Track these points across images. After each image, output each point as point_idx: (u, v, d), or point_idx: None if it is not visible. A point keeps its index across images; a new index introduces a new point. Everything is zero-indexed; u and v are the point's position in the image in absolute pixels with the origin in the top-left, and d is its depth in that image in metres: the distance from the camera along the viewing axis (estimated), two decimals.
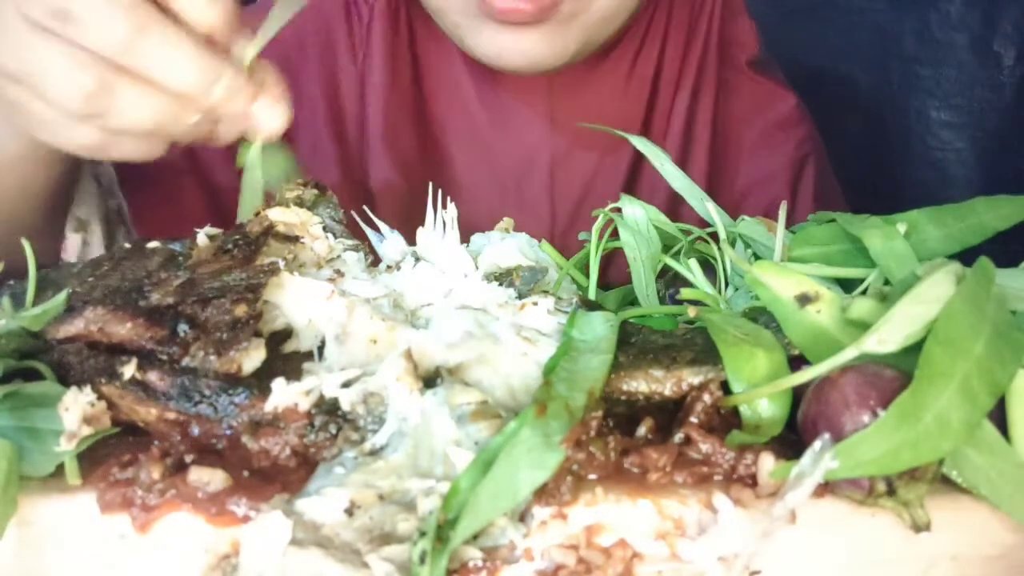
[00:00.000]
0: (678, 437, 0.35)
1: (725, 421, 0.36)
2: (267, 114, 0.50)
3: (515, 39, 0.70)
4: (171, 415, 0.36)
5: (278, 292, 0.41)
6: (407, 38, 0.83)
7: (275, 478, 0.34)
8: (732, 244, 0.49)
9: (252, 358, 0.38)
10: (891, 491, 0.32)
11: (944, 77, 1.24)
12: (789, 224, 0.48)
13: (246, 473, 0.34)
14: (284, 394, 0.36)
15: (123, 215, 0.74)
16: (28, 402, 0.36)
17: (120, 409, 0.37)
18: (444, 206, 0.50)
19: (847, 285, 0.43)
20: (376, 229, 0.53)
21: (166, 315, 0.39)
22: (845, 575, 0.34)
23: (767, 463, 0.33)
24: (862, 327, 0.34)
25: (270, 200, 0.52)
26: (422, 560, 0.29)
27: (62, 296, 0.41)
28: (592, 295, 0.50)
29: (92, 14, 0.44)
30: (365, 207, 0.54)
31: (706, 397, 0.36)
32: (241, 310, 0.39)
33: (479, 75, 0.81)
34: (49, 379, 0.38)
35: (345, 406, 0.36)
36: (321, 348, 0.39)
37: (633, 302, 0.50)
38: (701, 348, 0.39)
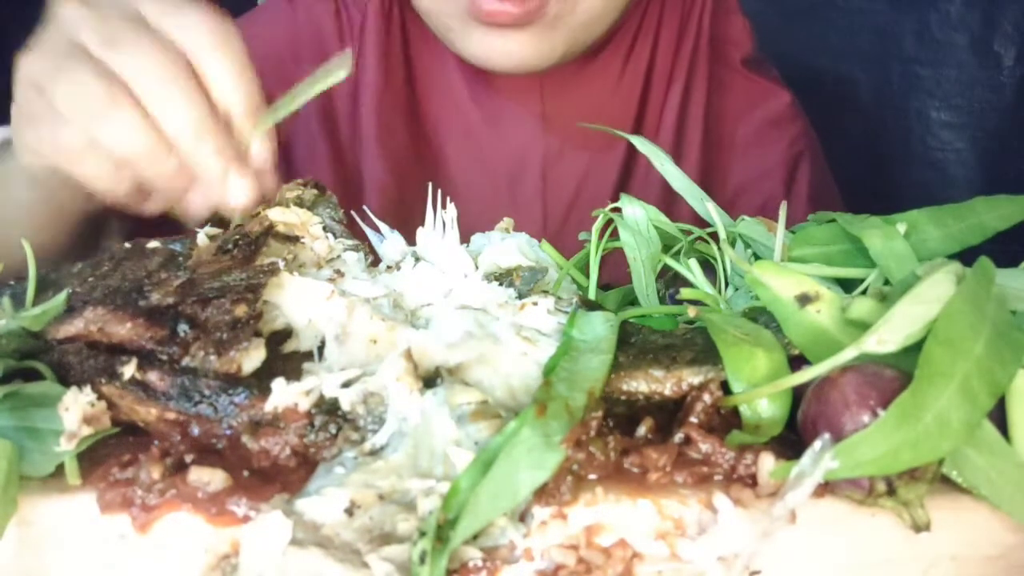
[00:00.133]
0: (678, 437, 0.35)
1: (725, 421, 0.36)
2: (239, 187, 0.48)
3: (502, 41, 0.71)
4: (171, 415, 0.36)
5: (278, 292, 0.41)
6: (400, 39, 0.84)
7: (275, 478, 0.34)
8: (732, 244, 0.49)
9: (252, 358, 0.38)
10: (891, 491, 0.32)
11: (944, 77, 1.24)
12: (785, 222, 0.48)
13: (246, 473, 0.34)
14: (284, 394, 0.36)
15: None
16: (28, 402, 0.36)
17: (120, 409, 0.37)
18: (444, 206, 0.50)
19: (847, 285, 0.43)
20: (376, 229, 0.54)
21: (166, 315, 0.39)
22: (845, 575, 0.34)
23: (767, 463, 0.33)
24: (862, 327, 0.34)
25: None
26: (422, 560, 0.29)
27: (62, 296, 0.41)
28: (592, 295, 0.50)
29: (137, 49, 0.46)
30: (365, 207, 0.54)
31: (706, 397, 0.36)
32: (241, 310, 0.39)
33: (472, 75, 0.82)
34: (49, 379, 0.38)
35: (345, 406, 0.36)
36: (321, 348, 0.39)
37: (633, 302, 0.50)
38: (701, 348, 0.39)
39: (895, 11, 1.24)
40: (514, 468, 0.31)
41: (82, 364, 0.38)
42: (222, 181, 0.47)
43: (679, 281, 0.50)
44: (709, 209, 0.51)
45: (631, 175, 0.85)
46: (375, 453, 0.34)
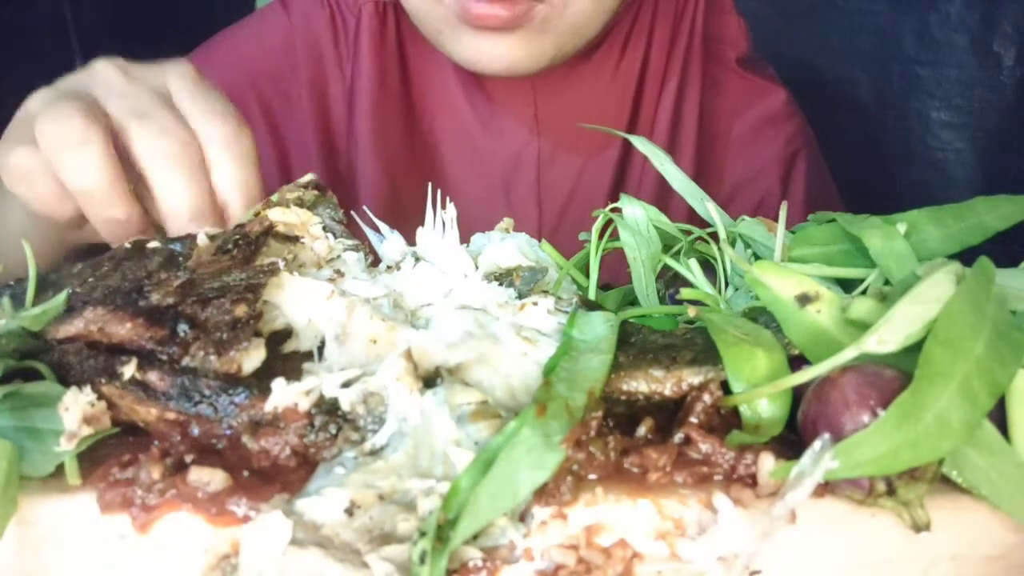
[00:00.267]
0: (678, 437, 0.35)
1: (725, 421, 0.36)
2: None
3: (492, 44, 0.72)
4: (171, 415, 0.36)
5: (278, 292, 0.41)
6: (395, 43, 0.84)
7: (275, 478, 0.34)
8: (732, 244, 0.49)
9: (252, 358, 0.38)
10: (891, 491, 0.32)
11: (944, 78, 1.25)
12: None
13: (246, 473, 0.34)
14: (284, 394, 0.36)
15: None
16: (28, 402, 0.36)
17: (120, 409, 0.37)
18: (443, 206, 0.50)
19: (847, 285, 0.43)
20: (376, 229, 0.54)
21: (166, 315, 0.39)
22: (845, 575, 0.34)
23: (767, 463, 0.33)
24: (862, 327, 0.34)
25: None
26: (422, 560, 0.29)
27: (62, 296, 0.41)
28: (592, 295, 0.50)
29: (156, 128, 0.50)
30: (366, 207, 0.54)
31: (706, 397, 0.36)
32: (241, 310, 0.39)
33: (466, 78, 0.82)
34: (49, 379, 0.38)
35: (345, 406, 0.36)
36: (321, 348, 0.39)
37: (633, 302, 0.50)
38: (701, 348, 0.39)
39: (895, 12, 1.24)
40: (514, 468, 0.31)
41: (82, 364, 0.38)
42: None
43: (679, 281, 0.50)
44: (709, 209, 0.51)
45: (625, 176, 0.85)
46: (375, 453, 0.34)
